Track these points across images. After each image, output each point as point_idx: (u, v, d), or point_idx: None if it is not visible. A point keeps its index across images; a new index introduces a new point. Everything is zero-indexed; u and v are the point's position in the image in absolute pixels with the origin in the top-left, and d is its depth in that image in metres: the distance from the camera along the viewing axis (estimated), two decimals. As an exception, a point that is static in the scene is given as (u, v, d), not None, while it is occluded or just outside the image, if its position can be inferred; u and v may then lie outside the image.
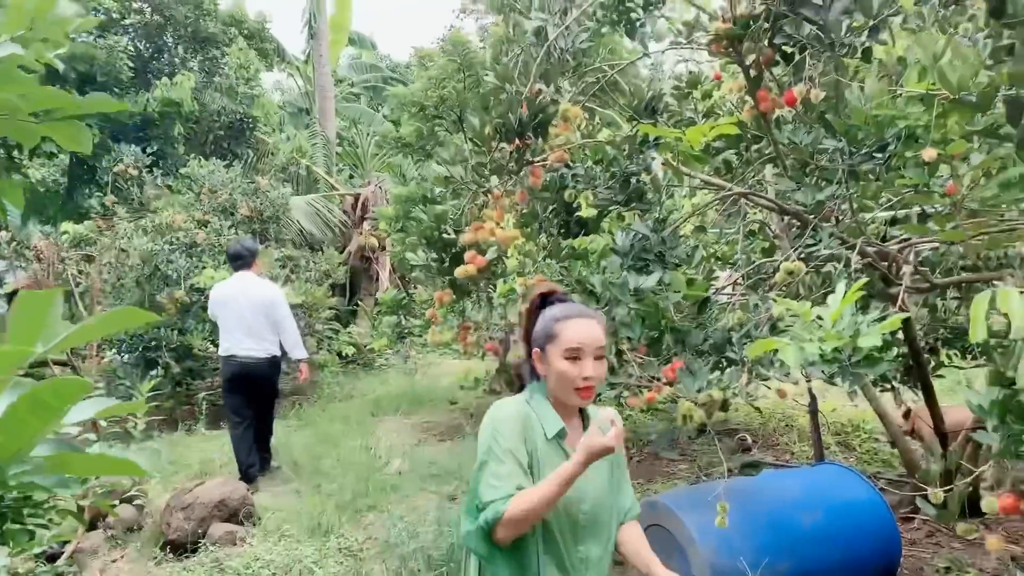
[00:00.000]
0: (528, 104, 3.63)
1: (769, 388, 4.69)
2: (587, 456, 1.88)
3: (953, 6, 2.94)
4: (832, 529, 3.61)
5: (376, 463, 6.38)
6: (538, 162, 3.90)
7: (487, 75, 3.70)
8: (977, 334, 2.13)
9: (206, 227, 9.53)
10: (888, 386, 5.61)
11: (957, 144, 2.97)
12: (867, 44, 3.54)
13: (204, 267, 8.69)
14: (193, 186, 10.77)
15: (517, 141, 3.68)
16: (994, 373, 2.66)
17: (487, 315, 5.29)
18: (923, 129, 3.35)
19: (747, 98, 4.05)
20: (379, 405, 8.61)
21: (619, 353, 3.58)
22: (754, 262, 4.98)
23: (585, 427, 2.12)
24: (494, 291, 4.91)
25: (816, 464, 4.99)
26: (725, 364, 3.90)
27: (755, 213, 6.36)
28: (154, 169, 12.09)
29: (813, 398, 5.70)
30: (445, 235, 4.36)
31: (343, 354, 10.69)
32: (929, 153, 2.91)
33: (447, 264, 4.29)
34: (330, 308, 10.26)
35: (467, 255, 3.93)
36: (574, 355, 2.01)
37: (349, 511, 5.35)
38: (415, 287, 8.81)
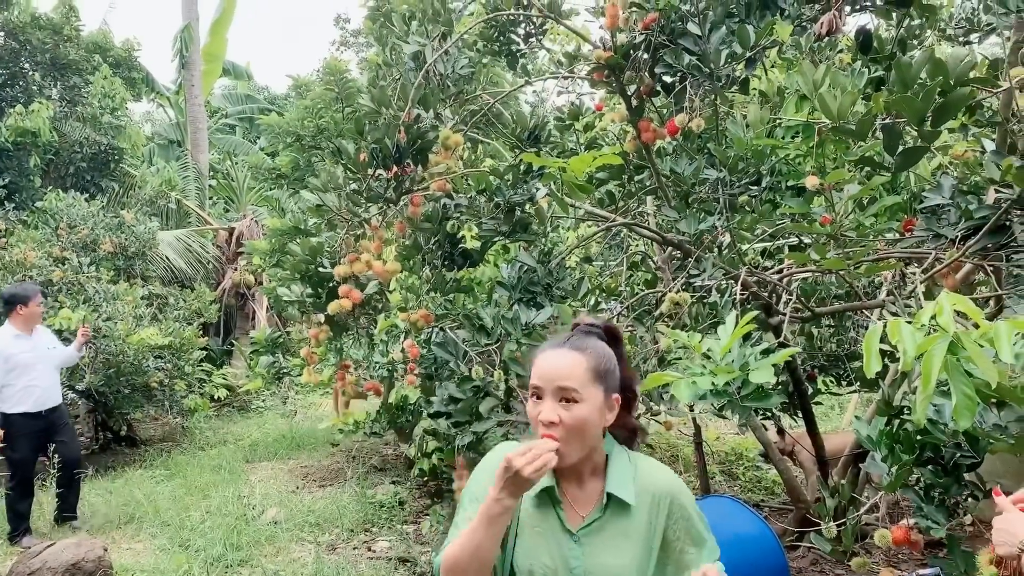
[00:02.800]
0: (406, 130, 3.47)
1: (659, 422, 4.64)
2: (497, 485, 1.50)
3: (826, 38, 2.98)
4: (725, 565, 3.53)
5: (250, 513, 5.96)
6: (418, 191, 3.72)
7: (363, 98, 3.51)
8: (871, 367, 2.08)
9: (63, 264, 8.85)
10: (770, 415, 5.69)
11: (835, 173, 3.00)
12: (744, 75, 3.57)
13: (61, 307, 8.03)
14: (50, 221, 10.01)
15: (395, 168, 3.50)
16: (882, 403, 2.65)
17: (367, 353, 5.04)
18: (802, 159, 3.39)
19: (629, 128, 4.02)
20: (255, 450, 8.14)
21: (509, 391, 3.42)
22: (637, 294, 4.96)
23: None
24: (374, 328, 4.67)
25: (704, 497, 4.96)
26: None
27: (637, 245, 6.39)
28: (5, 203, 11.20)
29: (698, 429, 5.71)
30: (321, 269, 4.10)
31: (216, 397, 10.11)
32: (811, 180, 2.92)
33: (323, 299, 4.04)
34: (201, 348, 9.69)
35: (342, 289, 3.70)
36: (535, 393, 1.61)
37: (219, 567, 4.95)
38: (293, 324, 8.42)
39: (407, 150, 3.49)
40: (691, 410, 5.61)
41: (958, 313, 2.04)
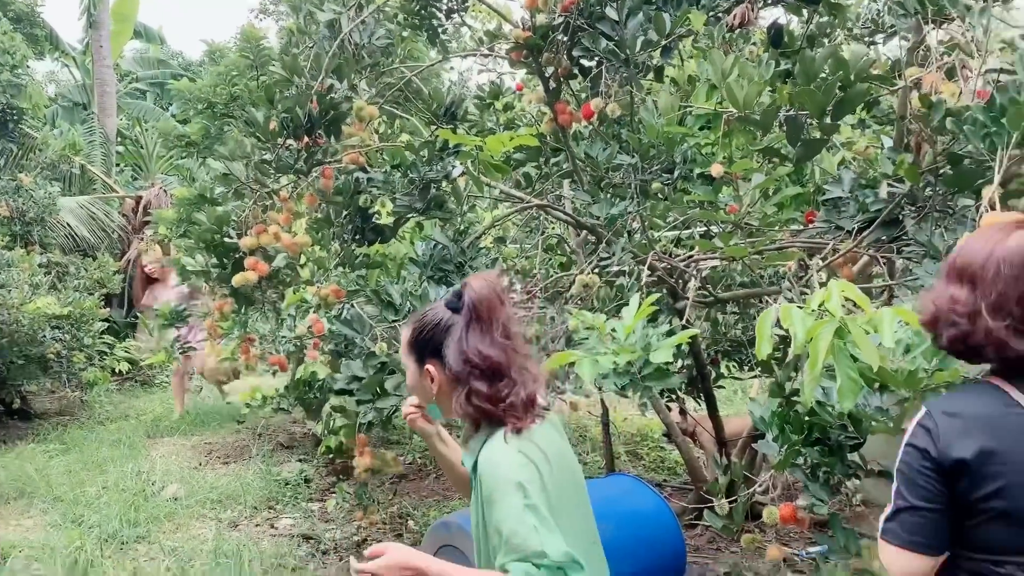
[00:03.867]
0: (318, 100, 3.40)
1: (564, 401, 4.70)
2: None
3: (739, 30, 3.05)
4: (622, 540, 3.61)
5: (149, 489, 5.79)
6: (330, 163, 3.66)
7: (274, 65, 3.42)
8: (763, 350, 2.15)
9: (-49, 228, 8.39)
10: (674, 397, 5.84)
11: (741, 162, 3.08)
12: (660, 63, 3.62)
13: (-53, 273, 7.61)
14: (-63, 183, 9.46)
15: (306, 139, 3.43)
16: (774, 386, 2.75)
17: (274, 327, 4.94)
18: (710, 148, 3.47)
19: (546, 110, 4.04)
20: (157, 426, 7.90)
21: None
22: (552, 276, 5.00)
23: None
24: (282, 301, 4.58)
25: (607, 476, 5.06)
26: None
27: (553, 228, 6.44)
28: None
29: (605, 410, 5.81)
30: (227, 239, 3.99)
31: (118, 370, 9.75)
32: (716, 168, 2.99)
33: (228, 271, 3.93)
34: (103, 320, 9.31)
35: (248, 261, 3.61)
36: None
37: (114, 544, 4.80)
38: (199, 297, 8.18)
39: (319, 120, 3.43)
40: (600, 391, 5.71)
41: (848, 300, 2.12)
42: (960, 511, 1.46)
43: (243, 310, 4.45)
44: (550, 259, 5.87)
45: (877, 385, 2.40)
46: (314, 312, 4.06)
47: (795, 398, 2.61)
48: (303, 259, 4.61)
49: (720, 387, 5.82)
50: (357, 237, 3.88)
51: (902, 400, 2.36)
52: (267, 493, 5.67)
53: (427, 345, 1.71)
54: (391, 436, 6.65)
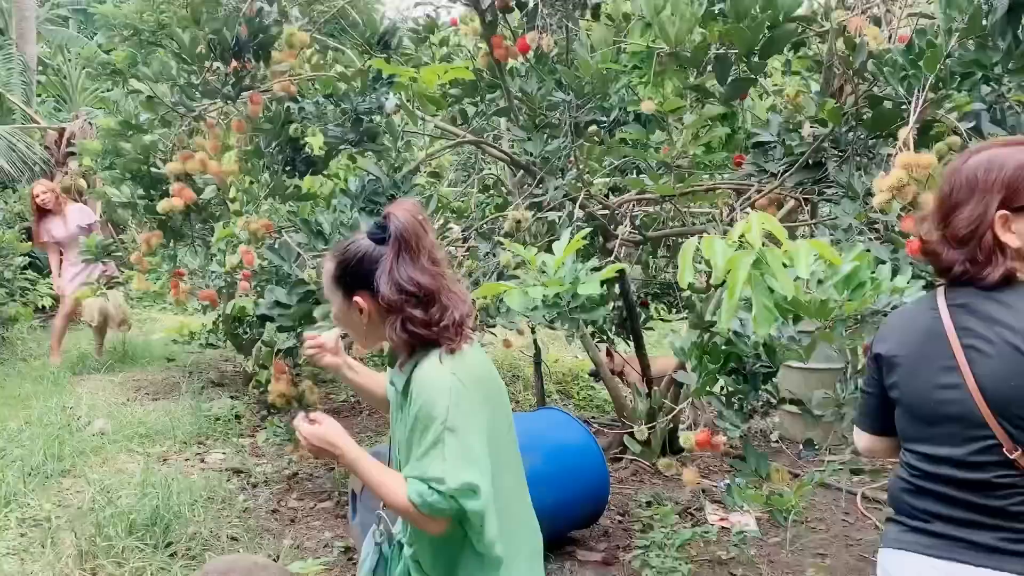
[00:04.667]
0: (247, 23, 3.30)
1: (495, 336, 4.76)
2: None
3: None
4: (549, 471, 3.72)
5: (74, 424, 5.69)
6: (260, 89, 3.58)
7: (201, -15, 3.31)
8: (685, 278, 2.21)
9: None
10: (604, 337, 5.97)
11: (673, 100, 3.12)
12: (597, 0, 3.62)
13: None
14: None
15: (234, 63, 3.34)
16: (694, 318, 2.84)
17: (204, 262, 4.86)
18: (643, 87, 3.50)
19: (483, 45, 4.01)
20: (83, 363, 7.71)
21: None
22: (487, 216, 5.02)
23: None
24: (212, 236, 4.50)
25: (537, 409, 5.17)
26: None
27: (491, 168, 6.44)
28: None
29: (538, 350, 5.91)
30: (154, 169, 3.89)
31: (42, 307, 9.46)
32: (647, 105, 3.03)
33: (155, 202, 3.84)
34: (26, 255, 9.00)
35: (174, 187, 3.53)
36: None
37: (38, 477, 4.72)
38: (127, 231, 7.97)
39: (248, 44, 3.34)
40: (533, 332, 5.80)
41: (768, 234, 2.19)
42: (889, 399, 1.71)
43: (171, 244, 4.36)
44: (487, 200, 5.88)
45: (791, 316, 2.51)
46: (244, 245, 4.01)
47: (714, 329, 2.70)
48: (233, 191, 4.52)
49: (650, 329, 5.96)
50: (288, 168, 3.82)
51: (821, 328, 2.46)
52: (197, 429, 5.62)
53: (354, 277, 1.72)
54: (325, 375, 6.64)
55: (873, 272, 2.28)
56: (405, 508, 1.63)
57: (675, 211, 5.39)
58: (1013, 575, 1.45)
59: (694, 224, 5.01)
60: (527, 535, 1.82)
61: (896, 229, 2.79)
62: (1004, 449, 1.47)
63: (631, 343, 5.42)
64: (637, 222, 5.61)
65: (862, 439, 1.85)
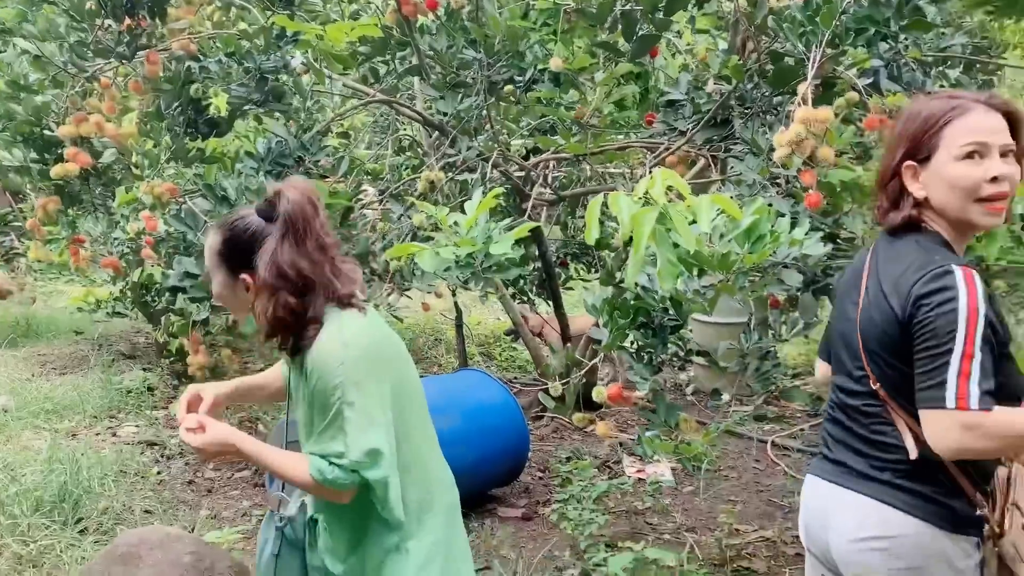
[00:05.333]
0: (139, -23, 3.16)
1: (411, 299, 4.73)
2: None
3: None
4: (468, 430, 3.75)
5: (-26, 402, 5.45)
6: (159, 48, 3.43)
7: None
8: (592, 234, 2.23)
9: None
10: (524, 298, 6.01)
11: (582, 58, 3.12)
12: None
13: None
14: None
15: (128, 20, 3.19)
16: (605, 274, 2.88)
17: (106, 228, 4.67)
18: (554, 44, 3.49)
19: (391, 1, 3.92)
20: (-19, 338, 7.39)
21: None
22: (403, 178, 4.96)
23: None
24: (113, 200, 4.31)
25: (457, 370, 5.18)
26: (368, 276, 3.84)
27: (406, 129, 6.35)
28: None
29: (459, 312, 5.91)
30: (47, 132, 3.70)
31: (-65, 281, 8.98)
32: (555, 62, 3.02)
33: (50, 166, 3.66)
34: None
35: (68, 151, 3.36)
36: None
37: (-65, 459, 4.52)
38: (25, 200, 7.59)
39: (142, 0, 3.19)
40: (453, 294, 5.79)
41: (672, 190, 2.22)
42: None
43: (69, 210, 4.17)
44: (404, 163, 5.80)
45: (696, 270, 2.56)
46: (147, 211, 3.86)
47: (623, 284, 2.74)
48: (133, 155, 4.35)
49: (570, 289, 6.02)
50: (190, 130, 3.68)
51: (721, 282, 2.52)
52: (108, 402, 5.46)
53: (241, 254, 1.65)
54: (240, 344, 6.50)
55: (773, 225, 2.35)
56: (308, 484, 1.65)
57: (593, 171, 5.43)
58: (879, 501, 1.56)
59: (610, 184, 5.06)
60: (442, 491, 1.84)
61: (797, 183, 2.87)
62: (870, 381, 1.59)
63: (551, 303, 5.46)
64: (555, 183, 5.65)
65: (819, 367, 1.94)
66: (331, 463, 1.60)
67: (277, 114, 3.82)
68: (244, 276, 1.66)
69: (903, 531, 1.54)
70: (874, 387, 1.58)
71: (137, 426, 5.13)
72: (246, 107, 3.65)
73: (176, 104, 3.66)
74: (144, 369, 6.21)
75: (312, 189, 1.69)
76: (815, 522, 1.71)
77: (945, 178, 1.52)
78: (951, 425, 1.43)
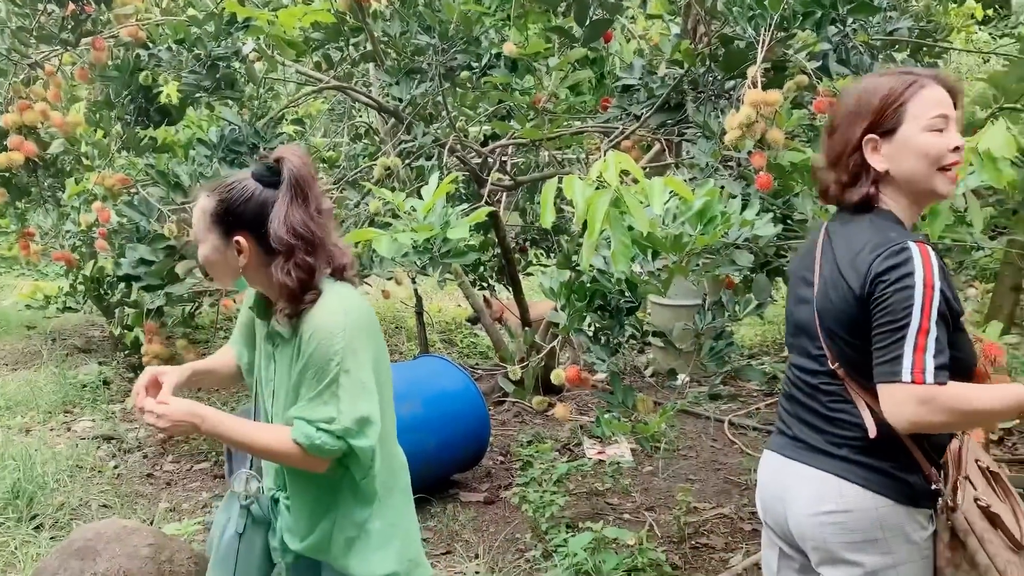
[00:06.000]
0: (83, -39, 3.09)
1: (371, 286, 4.72)
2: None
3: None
4: (429, 417, 3.76)
5: (-77, 401, 5.33)
6: (106, 36, 3.36)
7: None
8: (546, 219, 2.24)
9: None
10: (484, 284, 6.03)
11: (535, 43, 3.12)
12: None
13: None
14: None
15: (72, 5, 3.12)
16: (562, 258, 2.90)
17: (57, 220, 4.59)
18: (508, 29, 3.49)
19: (345, -14, 3.88)
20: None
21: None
22: (360, 166, 4.92)
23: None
24: (63, 192, 4.24)
25: (417, 357, 5.18)
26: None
27: (361, 116, 6.31)
28: None
29: (419, 300, 5.91)
30: (-10, 121, 3.61)
31: None
32: (509, 47, 3.02)
33: (-5, 157, 3.57)
34: None
35: (12, 141, 3.29)
36: None
37: None
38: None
39: (86, -15, 3.12)
40: (413, 281, 5.78)
41: (626, 173, 2.24)
42: None
43: (17, 202, 4.09)
44: (363, 150, 5.76)
45: (650, 252, 2.59)
46: (99, 202, 3.80)
47: (579, 268, 2.77)
48: (83, 145, 4.27)
49: (530, 274, 6.04)
50: (141, 119, 3.62)
51: (674, 262, 2.56)
52: (62, 397, 5.36)
53: (238, 217, 1.67)
54: (197, 336, 6.43)
55: (724, 207, 2.39)
56: (287, 452, 1.64)
57: (551, 157, 5.45)
58: (837, 476, 1.60)
59: (567, 169, 5.07)
60: (400, 471, 1.86)
61: (749, 166, 2.91)
62: (829, 360, 1.61)
63: (510, 289, 5.48)
64: (513, 169, 5.65)
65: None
66: (319, 428, 1.61)
67: (229, 101, 3.78)
68: (239, 238, 1.66)
69: (860, 505, 1.57)
70: (832, 366, 1.60)
71: (93, 420, 5.05)
72: (198, 95, 3.60)
73: (126, 92, 3.60)
74: (100, 363, 6.11)
75: (307, 155, 1.73)
76: (773, 497, 1.74)
77: (914, 148, 1.56)
78: (907, 398, 1.46)
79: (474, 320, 6.02)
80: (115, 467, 4.32)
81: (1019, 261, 3.05)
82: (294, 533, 1.76)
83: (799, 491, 1.66)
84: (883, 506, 1.56)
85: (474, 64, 3.87)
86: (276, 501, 1.80)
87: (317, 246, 1.66)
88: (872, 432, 1.55)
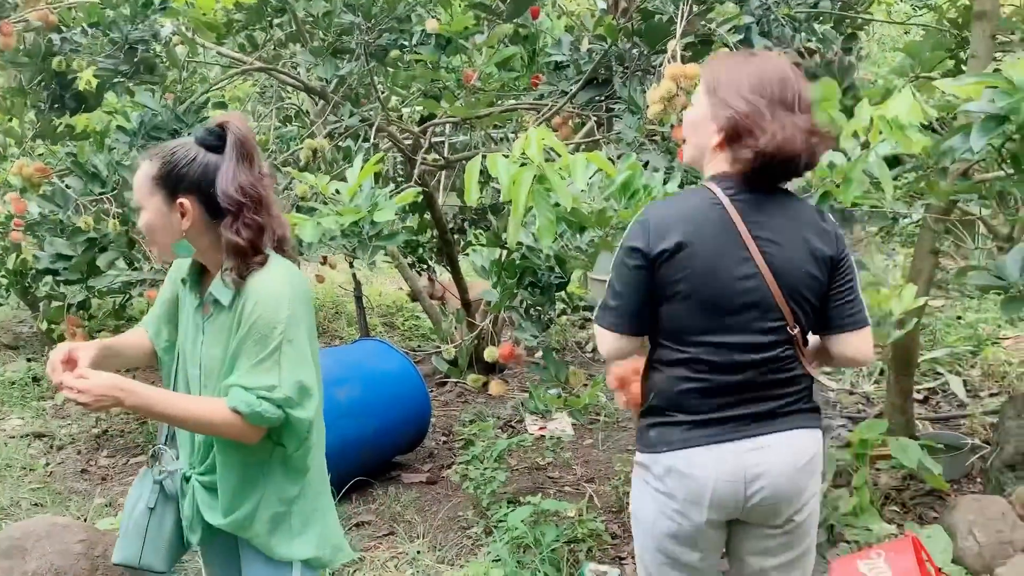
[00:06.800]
0: (-16, -58, 2.96)
1: (307, 272, 4.66)
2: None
3: None
4: (368, 400, 3.75)
5: None
6: (14, 20, 3.24)
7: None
8: (471, 196, 2.24)
9: None
10: (424, 265, 6.00)
11: (460, 20, 3.10)
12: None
13: None
14: None
15: (-26, -11, 3.00)
16: (492, 236, 2.90)
17: (-26, 213, 4.42)
18: (433, 7, 3.46)
19: (265, -34, 3.81)
20: None
21: (131, 243, 3.22)
22: (291, 149, 4.85)
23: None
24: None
25: (355, 341, 5.15)
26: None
27: (291, 98, 6.20)
28: None
29: (357, 284, 5.86)
30: None
31: None
32: (431, 24, 3.01)
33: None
34: None
35: (-83, 131, 3.17)
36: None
37: None
38: None
39: (-11, -32, 3.00)
40: (351, 266, 5.73)
41: (550, 149, 2.25)
42: (657, 298, 1.69)
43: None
44: (293, 133, 5.67)
45: (577, 227, 2.61)
46: (16, 193, 3.68)
47: (507, 246, 2.77)
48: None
49: (467, 254, 6.03)
50: (56, 106, 3.51)
51: (597, 239, 2.58)
52: (-11, 396, 5.21)
53: (181, 180, 1.66)
54: (127, 328, 6.28)
55: (646, 181, 2.41)
56: (224, 421, 1.61)
57: (486, 135, 5.43)
58: (802, 429, 1.73)
59: (499, 148, 5.07)
60: (324, 453, 1.86)
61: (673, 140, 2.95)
62: (788, 327, 1.68)
63: (449, 269, 5.47)
64: (448, 148, 5.63)
65: (615, 341, 1.76)
66: (259, 396, 1.59)
67: (150, 86, 3.68)
68: (183, 200, 1.66)
69: (819, 445, 1.77)
70: (792, 332, 1.68)
71: (23, 418, 4.92)
72: (116, 80, 3.50)
73: (39, 79, 3.48)
74: (28, 359, 5.94)
75: (248, 122, 1.76)
76: (730, 485, 1.69)
77: None
78: (869, 336, 1.75)
79: (414, 297, 6.00)
80: (46, 465, 4.22)
81: (934, 226, 3.16)
82: (215, 509, 1.73)
83: (781, 458, 1.69)
84: (820, 439, 1.79)
85: (404, 43, 3.83)
86: (187, 479, 1.77)
87: (264, 207, 1.68)
88: (817, 377, 1.77)
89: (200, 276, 1.77)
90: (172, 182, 1.66)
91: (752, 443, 1.69)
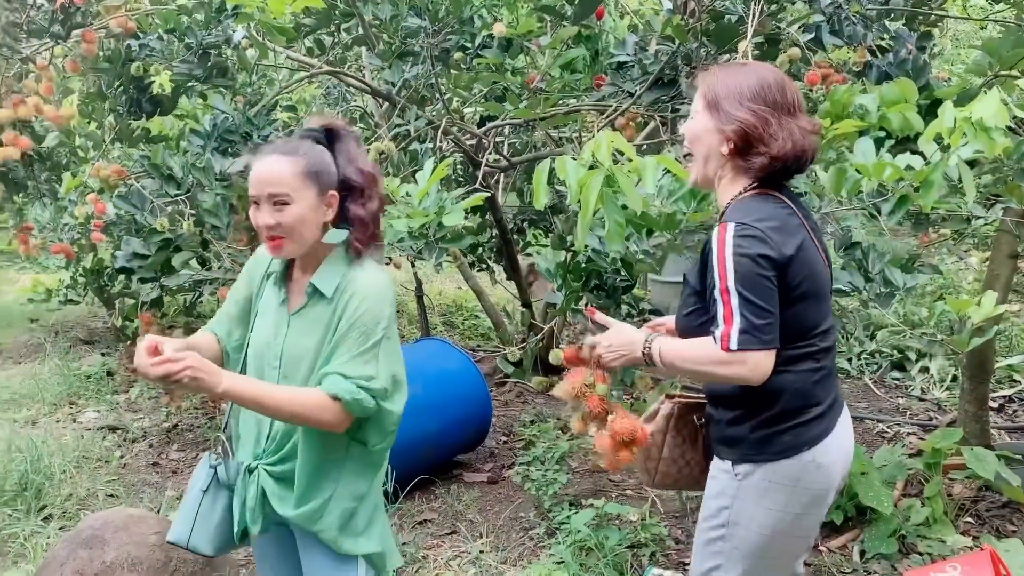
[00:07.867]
0: (69, -47, 3.08)
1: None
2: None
3: None
4: (431, 399, 3.77)
5: (-70, 396, 5.36)
6: (96, 27, 3.36)
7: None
8: (540, 200, 2.25)
9: None
10: (483, 266, 6.02)
11: (526, 23, 3.11)
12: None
13: None
14: None
15: (60, -2, 3.11)
16: (556, 238, 2.90)
17: (54, 214, 4.58)
18: (500, 9, 3.47)
19: (333, -29, 3.87)
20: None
21: (204, 243, 3.30)
22: (356, 150, 4.91)
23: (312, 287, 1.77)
24: (59, 185, 4.24)
25: (418, 340, 5.20)
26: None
27: (356, 101, 6.28)
28: None
29: (419, 283, 5.92)
30: (-16, 116, 3.61)
31: None
32: (498, 27, 3.01)
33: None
34: None
35: (6, 136, 3.29)
36: (254, 202, 1.74)
37: None
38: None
39: (73, -23, 3.11)
40: (412, 265, 5.79)
41: (619, 152, 2.24)
42: (780, 303, 1.68)
43: (14, 197, 4.10)
44: (359, 135, 5.74)
45: (644, 231, 2.60)
46: (95, 194, 3.81)
47: (574, 248, 2.77)
48: (76, 138, 4.26)
49: (528, 255, 6.04)
50: (133, 110, 3.62)
51: (670, 242, 2.56)
52: (67, 389, 5.40)
53: (327, 175, 1.76)
54: (197, 325, 6.45)
55: (717, 183, 2.38)
56: (322, 407, 1.66)
57: (547, 137, 5.42)
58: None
59: (562, 148, 5.06)
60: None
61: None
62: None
63: (510, 270, 5.48)
64: (509, 149, 5.63)
65: (768, 359, 1.66)
66: (359, 385, 1.67)
67: (222, 90, 3.77)
68: (332, 192, 1.77)
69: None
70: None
71: (98, 411, 5.08)
72: (190, 84, 3.60)
73: (117, 83, 3.60)
74: (103, 354, 6.14)
75: None
76: (846, 465, 1.85)
77: None
78: None
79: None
80: (121, 457, 4.36)
81: (1014, 229, 3.05)
82: (286, 500, 1.76)
83: (850, 427, 1.89)
84: None
85: (467, 45, 3.86)
86: (251, 470, 1.80)
87: (376, 187, 1.81)
88: None
89: (286, 272, 1.86)
90: (321, 177, 1.75)
91: (845, 416, 1.85)
